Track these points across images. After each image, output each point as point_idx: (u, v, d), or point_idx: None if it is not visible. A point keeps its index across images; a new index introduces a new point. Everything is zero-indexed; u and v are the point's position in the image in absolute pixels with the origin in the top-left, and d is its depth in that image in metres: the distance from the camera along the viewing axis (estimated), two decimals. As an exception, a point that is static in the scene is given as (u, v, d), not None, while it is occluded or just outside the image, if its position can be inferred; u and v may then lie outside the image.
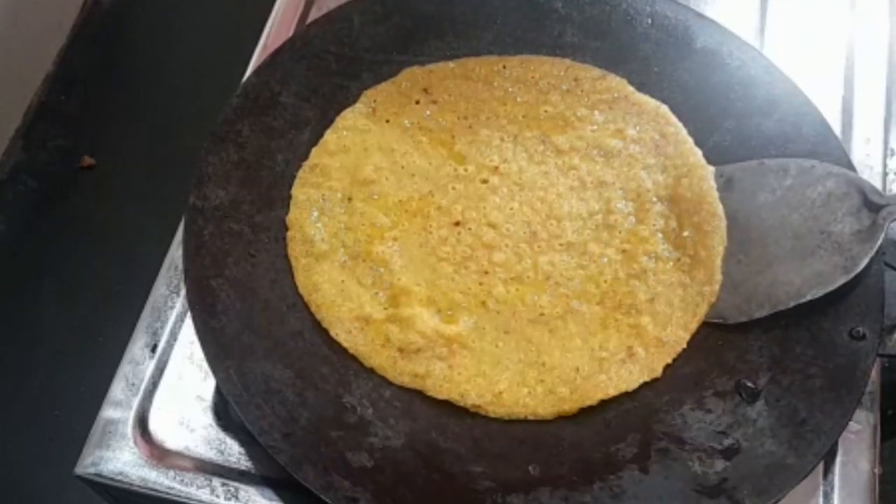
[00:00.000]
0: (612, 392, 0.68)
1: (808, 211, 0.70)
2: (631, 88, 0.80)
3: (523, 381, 0.69)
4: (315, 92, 0.79)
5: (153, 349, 0.74)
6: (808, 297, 0.68)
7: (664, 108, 0.79)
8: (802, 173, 0.71)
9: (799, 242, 0.70)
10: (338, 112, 0.79)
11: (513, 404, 0.68)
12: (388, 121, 0.79)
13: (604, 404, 0.68)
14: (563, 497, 0.63)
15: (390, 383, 0.68)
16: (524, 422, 0.68)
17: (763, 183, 0.72)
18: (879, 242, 0.67)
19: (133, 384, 0.72)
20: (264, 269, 0.72)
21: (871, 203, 0.67)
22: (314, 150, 0.77)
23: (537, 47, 0.82)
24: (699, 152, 0.77)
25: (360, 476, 0.63)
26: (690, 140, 0.78)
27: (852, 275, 0.67)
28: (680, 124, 0.78)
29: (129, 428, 0.70)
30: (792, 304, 0.68)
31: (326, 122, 0.78)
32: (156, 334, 0.74)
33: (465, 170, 0.77)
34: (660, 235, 0.74)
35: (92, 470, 0.69)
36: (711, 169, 0.76)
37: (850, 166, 0.75)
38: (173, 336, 0.74)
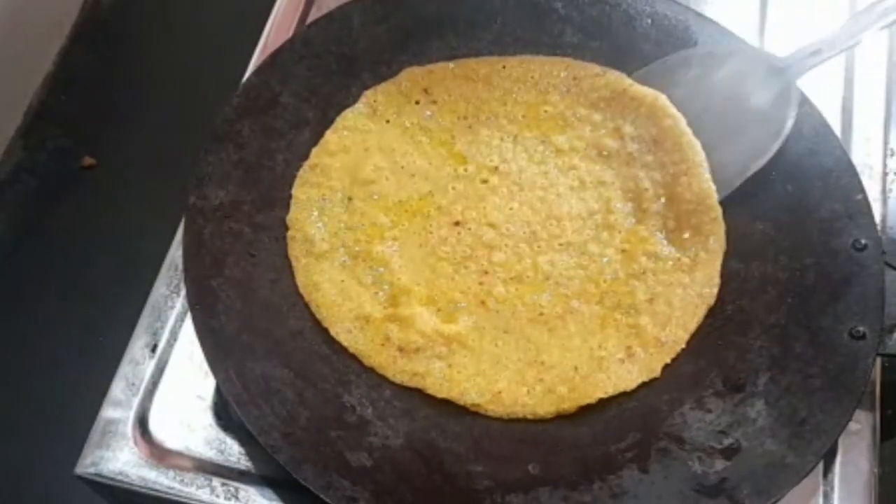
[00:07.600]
0: (611, 391, 0.68)
1: (723, 93, 0.74)
2: (629, 81, 0.79)
3: (522, 381, 0.69)
4: (315, 92, 0.79)
5: (153, 349, 0.74)
6: (753, 171, 0.72)
7: (662, 99, 0.78)
8: (704, 60, 0.75)
9: (726, 123, 0.74)
10: (338, 112, 0.79)
11: (512, 403, 0.68)
12: (388, 121, 0.79)
13: (603, 404, 0.68)
14: (563, 497, 0.63)
15: (390, 382, 0.68)
16: (524, 421, 0.68)
17: (673, 80, 0.76)
18: (798, 100, 0.71)
19: (133, 384, 0.72)
20: (264, 269, 0.72)
21: (774, 69, 0.72)
22: (314, 150, 0.77)
23: (537, 47, 0.82)
24: (697, 143, 0.76)
25: (360, 475, 0.63)
26: (689, 131, 0.77)
27: (783, 137, 0.71)
28: (679, 115, 0.77)
29: (129, 428, 0.70)
30: (738, 182, 0.72)
31: (326, 122, 0.78)
32: (156, 334, 0.74)
33: (465, 170, 0.77)
34: (659, 235, 0.74)
35: (92, 470, 0.69)
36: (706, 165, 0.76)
37: (851, 165, 0.75)
38: (173, 336, 0.74)
